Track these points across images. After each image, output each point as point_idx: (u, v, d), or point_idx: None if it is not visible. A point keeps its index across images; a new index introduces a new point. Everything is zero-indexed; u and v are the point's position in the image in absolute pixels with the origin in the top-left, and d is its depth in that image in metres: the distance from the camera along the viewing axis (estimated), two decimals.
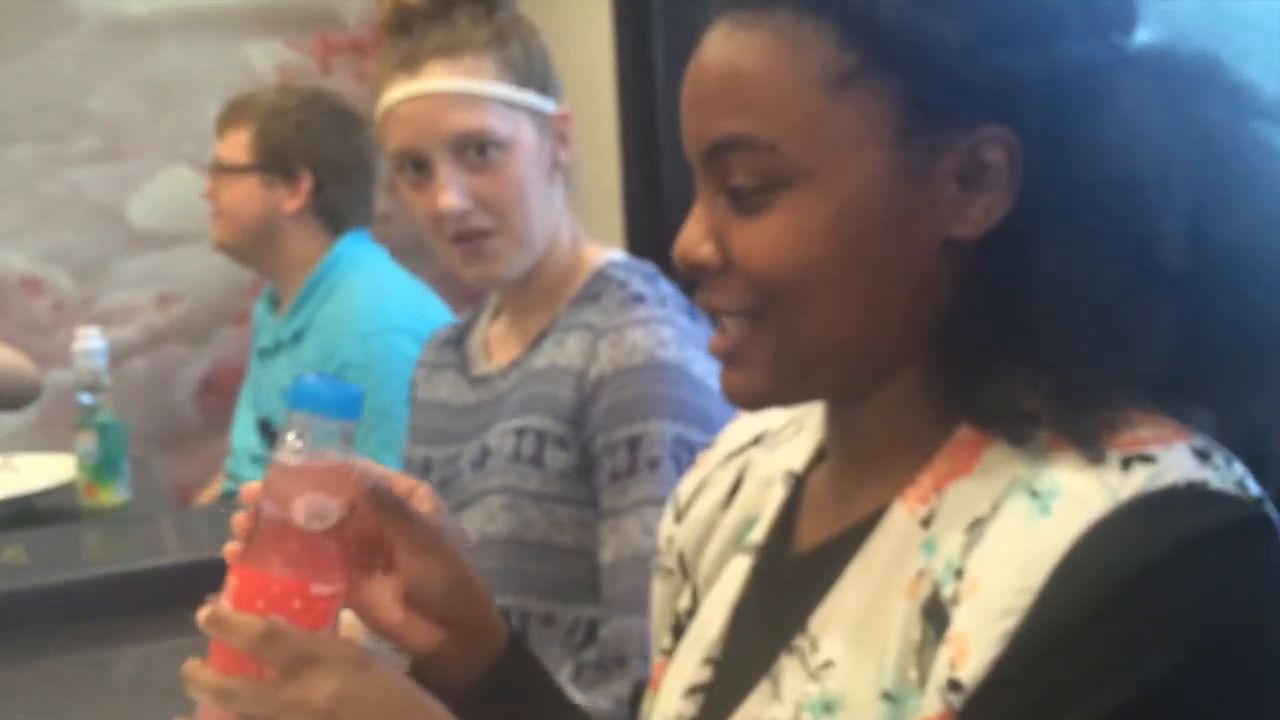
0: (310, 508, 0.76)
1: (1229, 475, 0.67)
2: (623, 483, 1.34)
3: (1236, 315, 0.70)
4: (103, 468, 2.01)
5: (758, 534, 0.86)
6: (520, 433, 1.41)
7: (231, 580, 0.77)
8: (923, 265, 0.73)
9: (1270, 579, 0.66)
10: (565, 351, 1.42)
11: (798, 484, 0.86)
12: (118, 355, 2.89)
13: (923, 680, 0.68)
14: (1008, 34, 0.70)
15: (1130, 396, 0.71)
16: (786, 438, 0.90)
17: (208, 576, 1.63)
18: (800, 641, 0.76)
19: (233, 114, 2.26)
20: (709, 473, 0.94)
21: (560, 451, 1.38)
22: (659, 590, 0.96)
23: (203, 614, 0.76)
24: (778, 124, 0.71)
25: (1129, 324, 0.69)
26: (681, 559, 0.93)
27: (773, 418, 0.92)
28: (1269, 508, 0.68)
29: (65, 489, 2.06)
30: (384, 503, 0.83)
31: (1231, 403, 0.73)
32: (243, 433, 2.27)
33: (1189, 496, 0.65)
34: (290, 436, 0.77)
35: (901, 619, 0.70)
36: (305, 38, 3.06)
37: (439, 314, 2.16)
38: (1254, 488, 0.68)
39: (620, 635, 1.31)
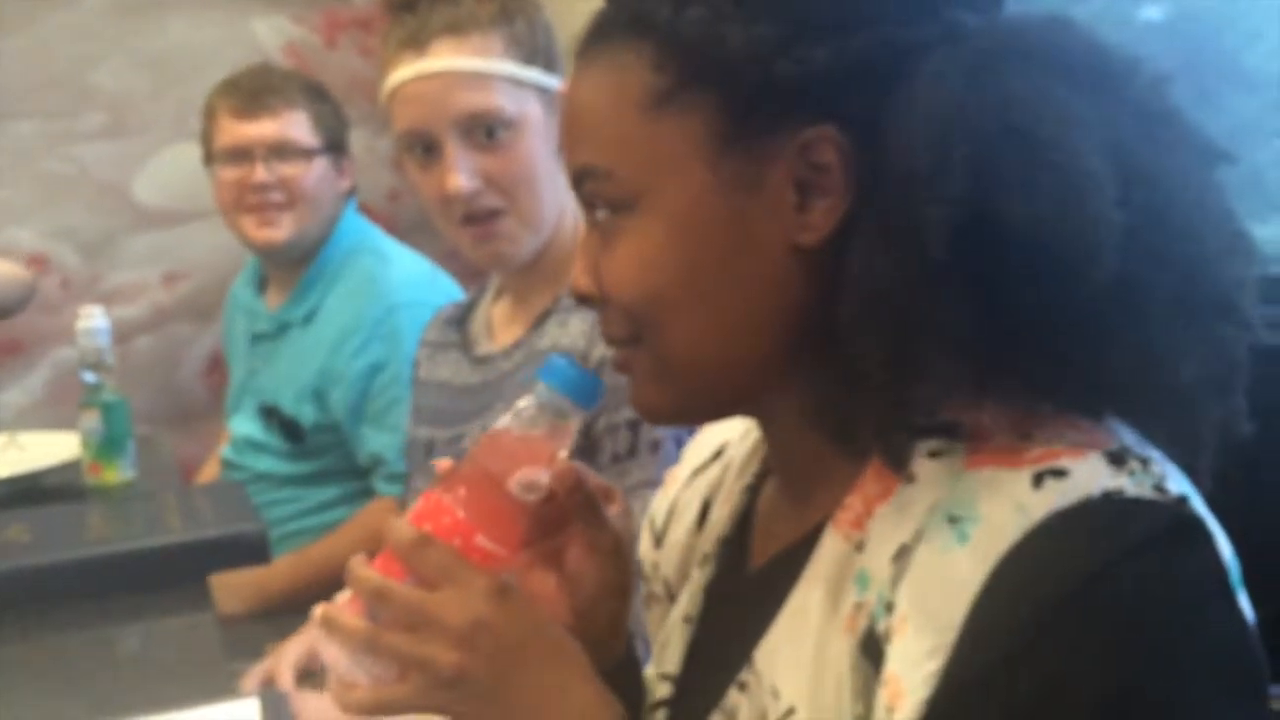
0: (526, 477, 0.78)
1: (1145, 479, 0.64)
2: (623, 465, 1.34)
3: (1045, 298, 0.64)
4: (106, 446, 2.00)
5: (708, 545, 0.86)
6: None
7: (419, 500, 0.80)
8: (775, 274, 0.71)
9: (1200, 580, 0.63)
10: (568, 332, 1.41)
11: (751, 496, 0.86)
12: (124, 333, 2.89)
13: (867, 717, 0.66)
14: (814, 29, 0.68)
15: (1042, 400, 0.67)
16: (739, 449, 0.89)
17: (211, 555, 1.65)
18: (747, 676, 0.75)
19: (274, 94, 2.15)
20: (678, 493, 0.93)
21: None
22: (650, 617, 0.95)
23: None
24: (609, 151, 0.73)
25: (921, 321, 0.65)
26: (667, 585, 0.93)
27: (731, 429, 0.91)
28: (1193, 505, 0.64)
29: (70, 467, 2.06)
30: (586, 502, 0.85)
31: (1083, 398, 0.67)
32: (242, 422, 2.24)
33: (1105, 509, 0.62)
34: (530, 402, 0.80)
35: (848, 657, 0.68)
36: (311, 14, 3.05)
37: (450, 289, 2.15)
38: (1175, 487, 0.64)
39: None
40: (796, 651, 0.71)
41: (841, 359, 0.69)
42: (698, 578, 0.86)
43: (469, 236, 1.43)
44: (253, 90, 2.16)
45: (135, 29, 2.96)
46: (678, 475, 0.95)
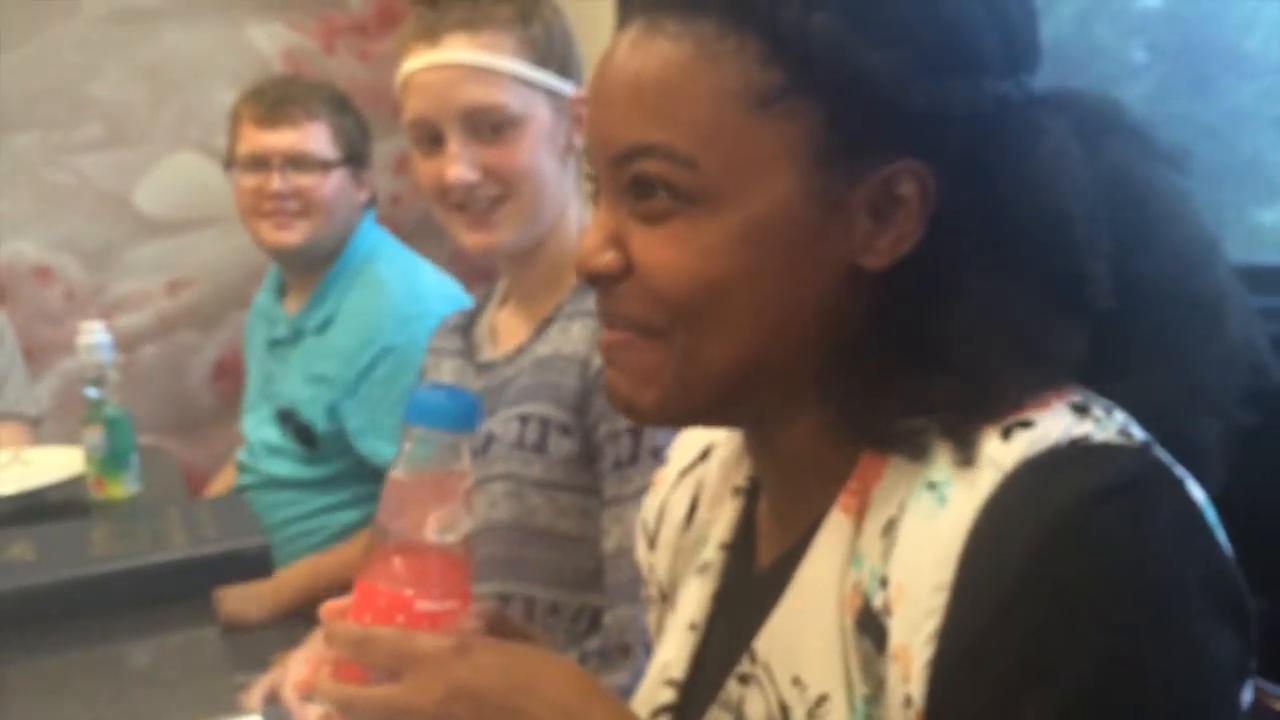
0: (441, 521, 0.75)
1: (1109, 424, 0.66)
2: (625, 471, 1.33)
3: (1159, 347, 0.71)
4: (110, 461, 2.00)
5: (709, 552, 0.86)
6: (524, 419, 1.40)
7: (353, 592, 0.76)
8: (827, 291, 0.71)
9: (1177, 516, 0.64)
10: (569, 339, 1.41)
11: (749, 497, 0.85)
12: (129, 343, 2.90)
13: (874, 697, 0.67)
14: (937, 68, 0.68)
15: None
16: (727, 450, 0.89)
17: (214, 570, 1.65)
18: (749, 669, 0.74)
19: (295, 105, 2.16)
20: (667, 494, 0.93)
21: (563, 439, 1.37)
22: (653, 620, 0.95)
23: (324, 612, 0.77)
24: (698, 139, 0.69)
25: (1042, 347, 0.68)
26: (661, 587, 0.93)
27: (717, 429, 0.90)
28: (1156, 451, 0.66)
29: (75, 482, 2.06)
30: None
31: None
32: (257, 426, 2.23)
33: (1072, 454, 0.64)
34: (407, 449, 0.75)
35: (852, 637, 0.69)
36: (308, 20, 3.04)
37: (461, 297, 2.15)
38: (1138, 433, 0.66)
39: (623, 624, 1.31)
40: (819, 639, 0.71)
41: (882, 373, 0.71)
42: (703, 584, 0.85)
43: (462, 221, 1.44)
44: (275, 100, 2.16)
45: (131, 38, 2.96)
46: (666, 476, 0.94)
